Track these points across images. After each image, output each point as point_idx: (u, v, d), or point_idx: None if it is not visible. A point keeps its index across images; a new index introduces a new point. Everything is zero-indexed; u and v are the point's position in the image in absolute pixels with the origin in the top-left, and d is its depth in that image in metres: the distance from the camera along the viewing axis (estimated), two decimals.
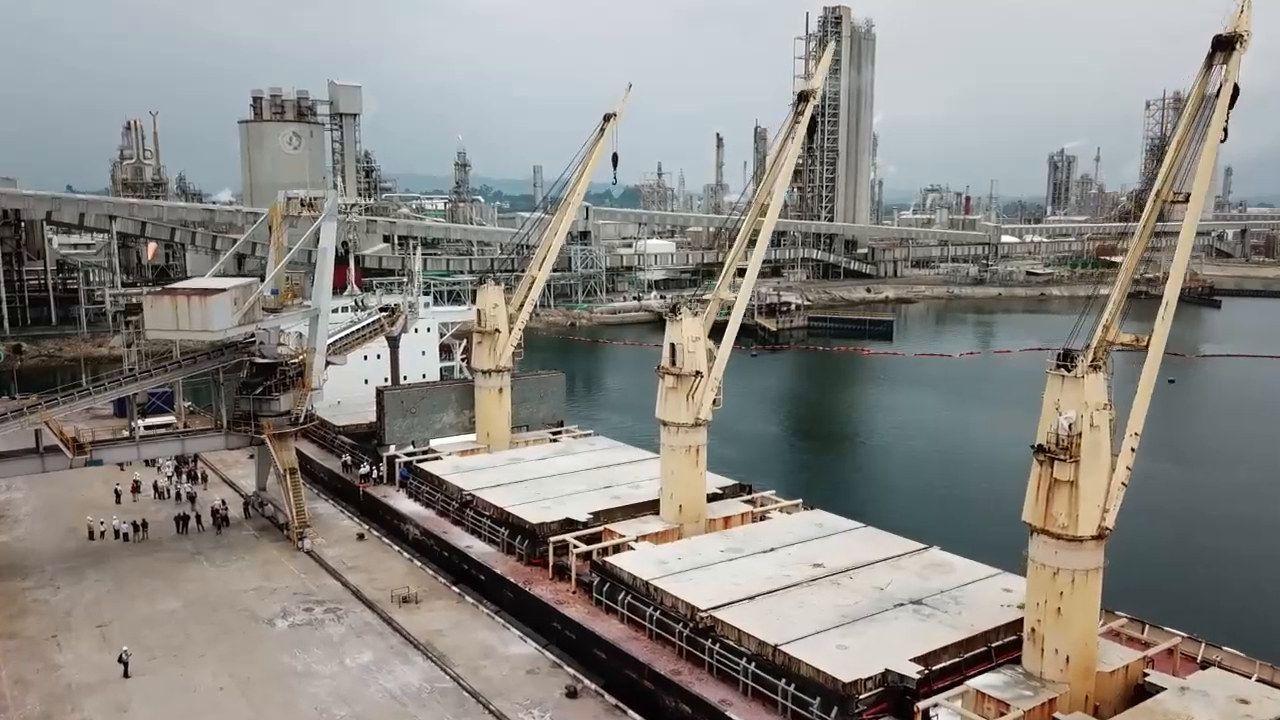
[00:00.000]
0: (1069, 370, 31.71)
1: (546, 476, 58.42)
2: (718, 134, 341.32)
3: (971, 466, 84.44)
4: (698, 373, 47.94)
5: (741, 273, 50.25)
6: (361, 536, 54.95)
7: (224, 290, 50.06)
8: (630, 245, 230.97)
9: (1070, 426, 31.37)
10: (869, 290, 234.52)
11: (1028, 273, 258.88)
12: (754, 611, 38.34)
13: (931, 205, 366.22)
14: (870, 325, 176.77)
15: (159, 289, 57.89)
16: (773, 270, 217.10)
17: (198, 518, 56.78)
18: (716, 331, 49.86)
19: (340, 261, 72.88)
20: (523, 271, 69.18)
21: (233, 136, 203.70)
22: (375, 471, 63.68)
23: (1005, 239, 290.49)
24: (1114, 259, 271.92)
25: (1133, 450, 32.14)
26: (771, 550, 45.27)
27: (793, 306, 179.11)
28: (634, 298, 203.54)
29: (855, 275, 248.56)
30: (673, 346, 48.29)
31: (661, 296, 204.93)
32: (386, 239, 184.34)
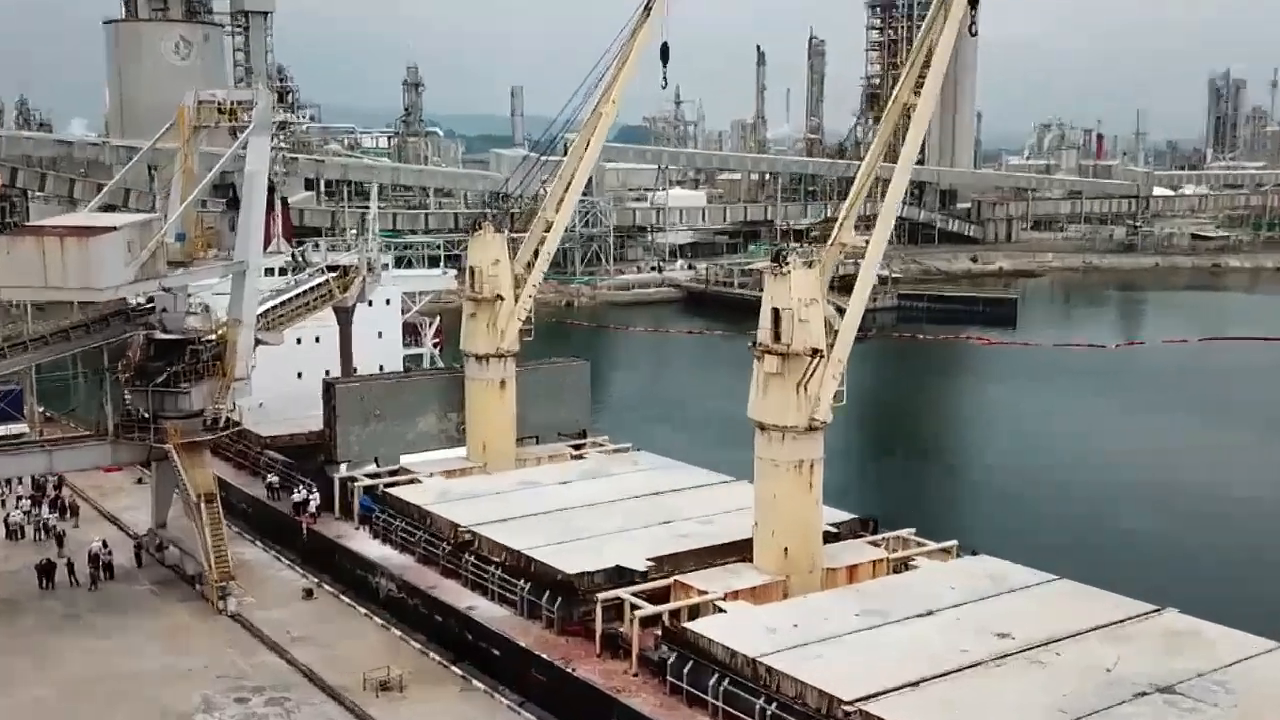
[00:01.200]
0: None
1: (576, 507, 55.83)
2: (759, 47, 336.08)
3: (1186, 498, 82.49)
4: (815, 351, 44.60)
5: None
6: (310, 593, 52.01)
7: (114, 229, 46.61)
8: (644, 198, 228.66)
9: None
10: (974, 259, 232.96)
11: (1193, 236, 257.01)
12: (924, 703, 34.99)
13: (1050, 147, 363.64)
14: (985, 306, 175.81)
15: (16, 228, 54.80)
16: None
17: (69, 566, 53.61)
18: None
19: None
20: (517, 230, 66.70)
21: (95, 46, 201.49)
22: (317, 502, 60.60)
23: (1157, 190, 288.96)
24: None
25: None
26: (930, 614, 42.12)
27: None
28: (652, 268, 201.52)
29: (954, 239, 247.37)
30: (775, 313, 44.92)
31: (690, 266, 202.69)
32: (310, 185, 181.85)
